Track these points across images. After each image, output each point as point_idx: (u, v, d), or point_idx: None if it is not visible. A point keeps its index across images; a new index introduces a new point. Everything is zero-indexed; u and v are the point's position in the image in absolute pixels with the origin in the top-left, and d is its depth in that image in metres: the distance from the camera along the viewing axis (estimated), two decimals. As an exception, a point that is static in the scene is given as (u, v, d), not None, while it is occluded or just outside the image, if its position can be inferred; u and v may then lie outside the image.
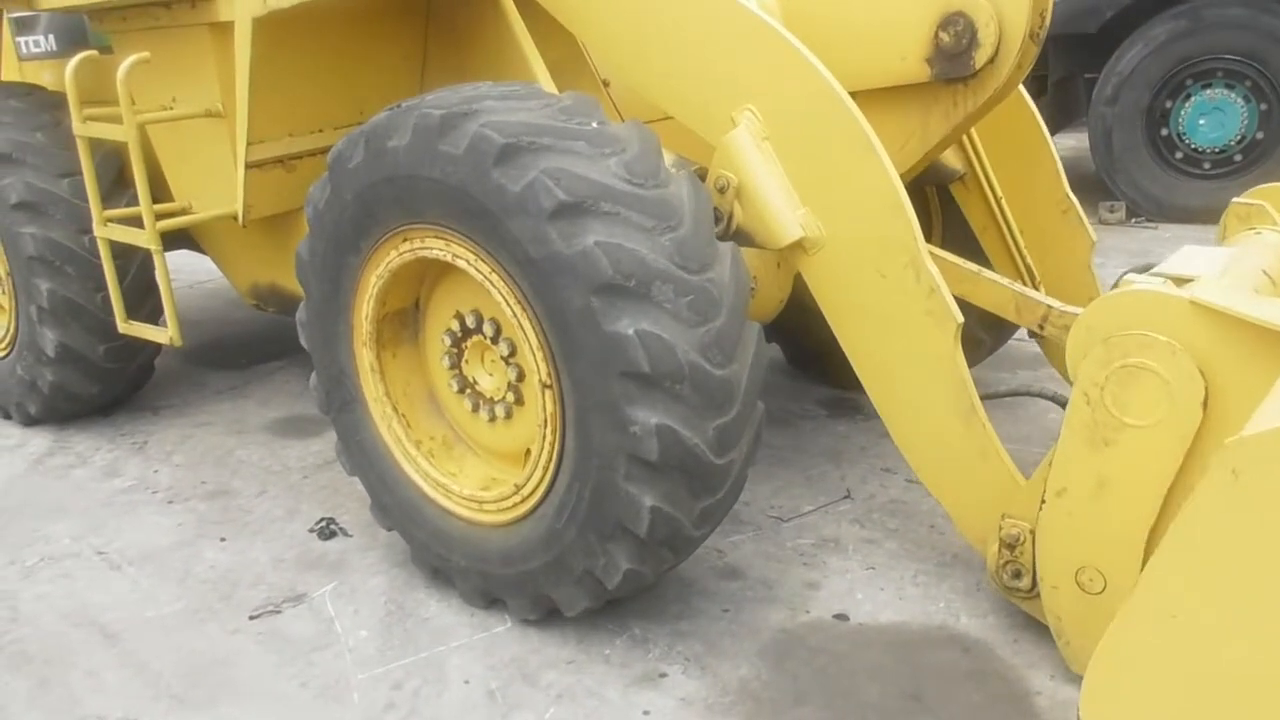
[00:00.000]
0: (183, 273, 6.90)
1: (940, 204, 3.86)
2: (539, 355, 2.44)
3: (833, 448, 3.83)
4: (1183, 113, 7.30)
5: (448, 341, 2.83)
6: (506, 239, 2.33)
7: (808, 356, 4.40)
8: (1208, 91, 7.21)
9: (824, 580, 2.95)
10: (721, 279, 2.34)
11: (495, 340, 2.69)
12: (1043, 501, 2.37)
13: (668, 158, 2.56)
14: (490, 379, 2.82)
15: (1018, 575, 2.54)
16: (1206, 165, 7.34)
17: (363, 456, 3.03)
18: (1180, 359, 2.07)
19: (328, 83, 3.44)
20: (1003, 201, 3.65)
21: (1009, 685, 2.47)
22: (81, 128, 3.71)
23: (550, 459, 2.51)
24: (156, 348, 4.39)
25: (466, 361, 2.84)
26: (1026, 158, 3.65)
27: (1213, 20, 7.02)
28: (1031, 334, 3.33)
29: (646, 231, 2.25)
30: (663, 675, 2.57)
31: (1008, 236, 3.66)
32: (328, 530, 3.42)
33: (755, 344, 2.45)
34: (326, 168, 2.73)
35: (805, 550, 3.11)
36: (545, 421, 2.49)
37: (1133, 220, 7.54)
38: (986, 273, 3.21)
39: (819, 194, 2.61)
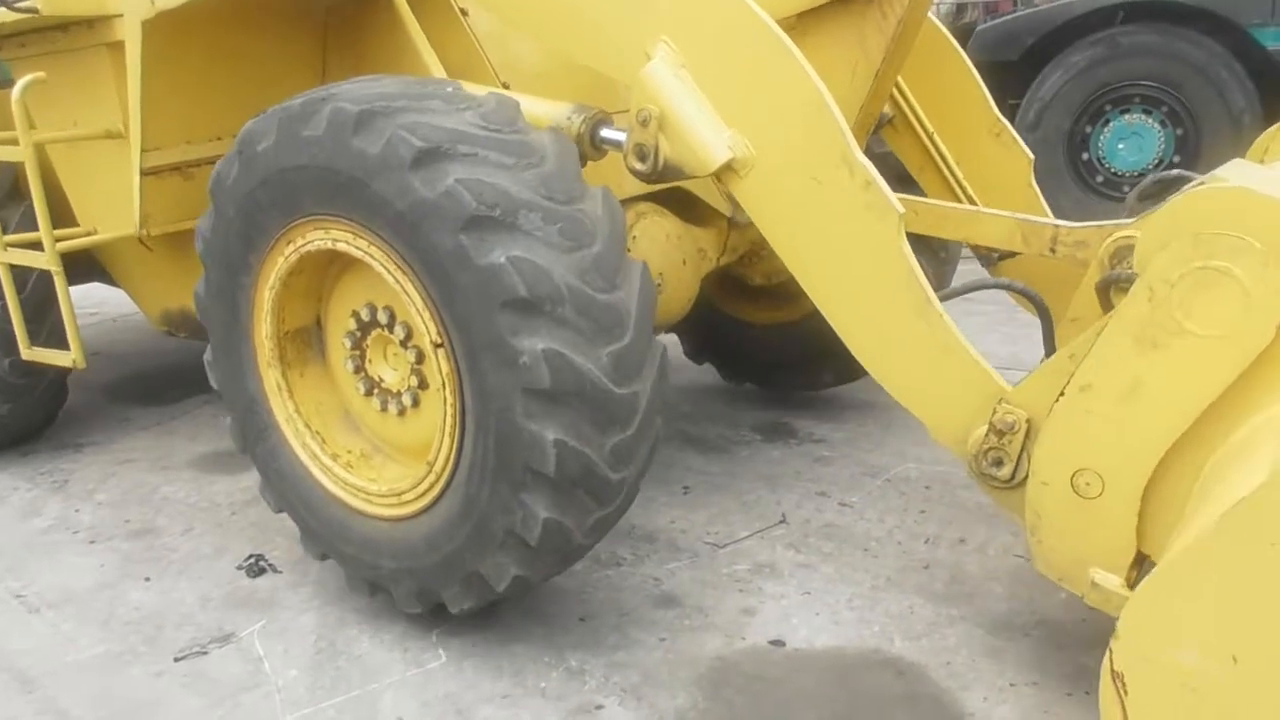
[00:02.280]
0: (108, 305, 6.76)
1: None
2: (426, 315, 2.45)
3: (768, 473, 3.85)
4: (1102, 137, 7.52)
5: (349, 344, 2.83)
6: (375, 201, 2.36)
7: (702, 349, 4.61)
8: (1126, 117, 7.43)
9: (760, 606, 2.95)
10: (594, 211, 2.38)
11: (391, 327, 2.69)
12: (1061, 394, 2.22)
13: (566, 107, 2.63)
14: (394, 373, 2.81)
15: (998, 464, 2.39)
16: (1126, 188, 7.55)
17: (283, 484, 2.99)
18: (1271, 272, 1.91)
19: (224, 88, 3.38)
20: (935, 137, 3.66)
21: (943, 708, 2.49)
22: None
23: (454, 421, 2.49)
24: (63, 370, 4.28)
25: (370, 361, 2.84)
26: (952, 89, 3.66)
27: (1129, 47, 7.25)
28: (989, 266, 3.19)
29: (507, 169, 2.29)
30: (599, 707, 2.55)
31: (945, 171, 3.66)
32: (257, 567, 3.35)
33: (642, 275, 2.46)
34: (209, 195, 2.77)
35: (741, 576, 3.11)
36: (443, 384, 2.48)
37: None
38: (983, 209, 3.18)
39: (743, 112, 2.55)
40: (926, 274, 3.93)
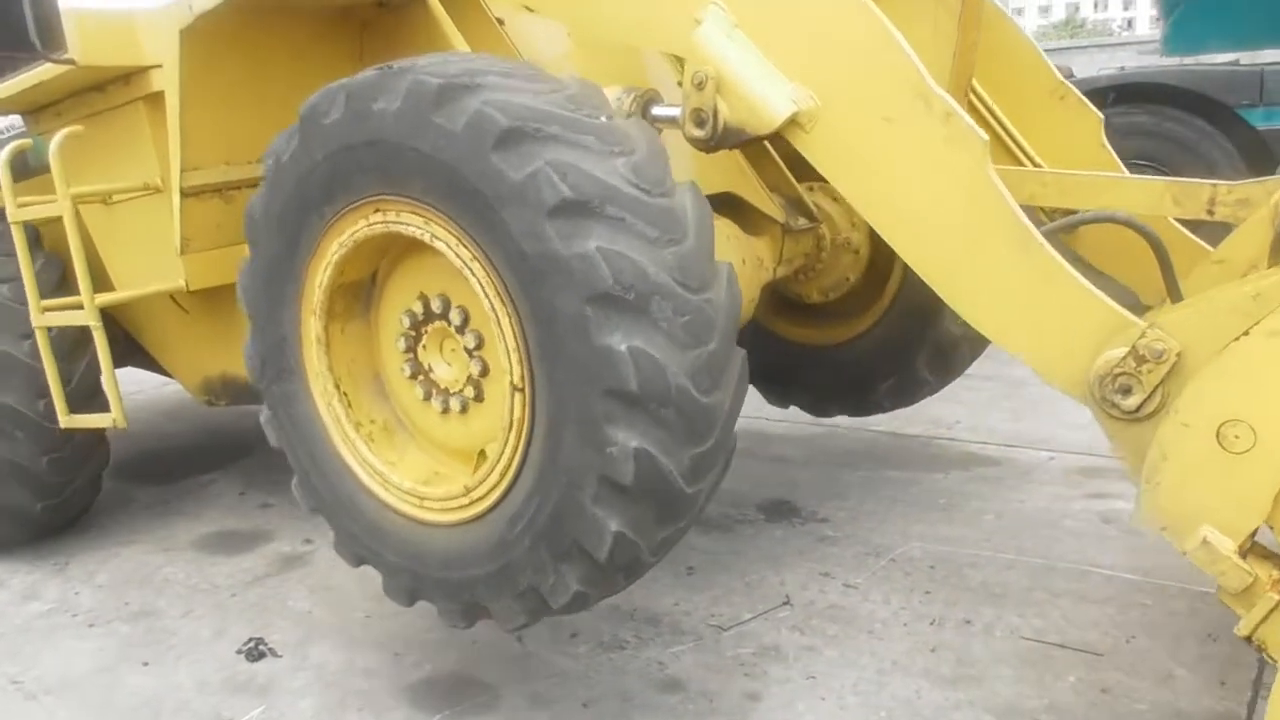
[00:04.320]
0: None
1: None
2: (514, 356, 2.29)
3: (771, 552, 3.83)
4: (1096, 214, 7.60)
5: (406, 323, 2.65)
6: (497, 228, 2.20)
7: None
8: (1120, 194, 7.52)
9: (765, 691, 2.92)
10: (719, 300, 2.25)
11: (461, 330, 2.53)
12: (1244, 334, 2.03)
13: (616, 89, 2.51)
14: (448, 369, 2.65)
15: (1126, 392, 2.17)
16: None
17: (295, 432, 2.84)
18: None
19: (261, 107, 3.34)
20: (994, 109, 3.49)
21: (952, 795, 2.45)
22: (16, 213, 3.64)
23: (510, 466, 2.37)
24: (102, 462, 4.27)
25: (424, 347, 2.67)
26: (1005, 56, 3.45)
27: (1122, 127, 7.36)
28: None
29: (650, 242, 2.15)
30: (603, 797, 2.51)
31: (1007, 140, 3.49)
32: (256, 651, 3.31)
33: (741, 371, 2.36)
34: (297, 117, 2.57)
35: (746, 660, 3.08)
36: (511, 425, 2.33)
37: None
38: (1126, 175, 3.01)
39: (804, 61, 2.43)
40: (965, 344, 3.93)
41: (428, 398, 2.68)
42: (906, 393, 4.23)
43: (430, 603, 2.68)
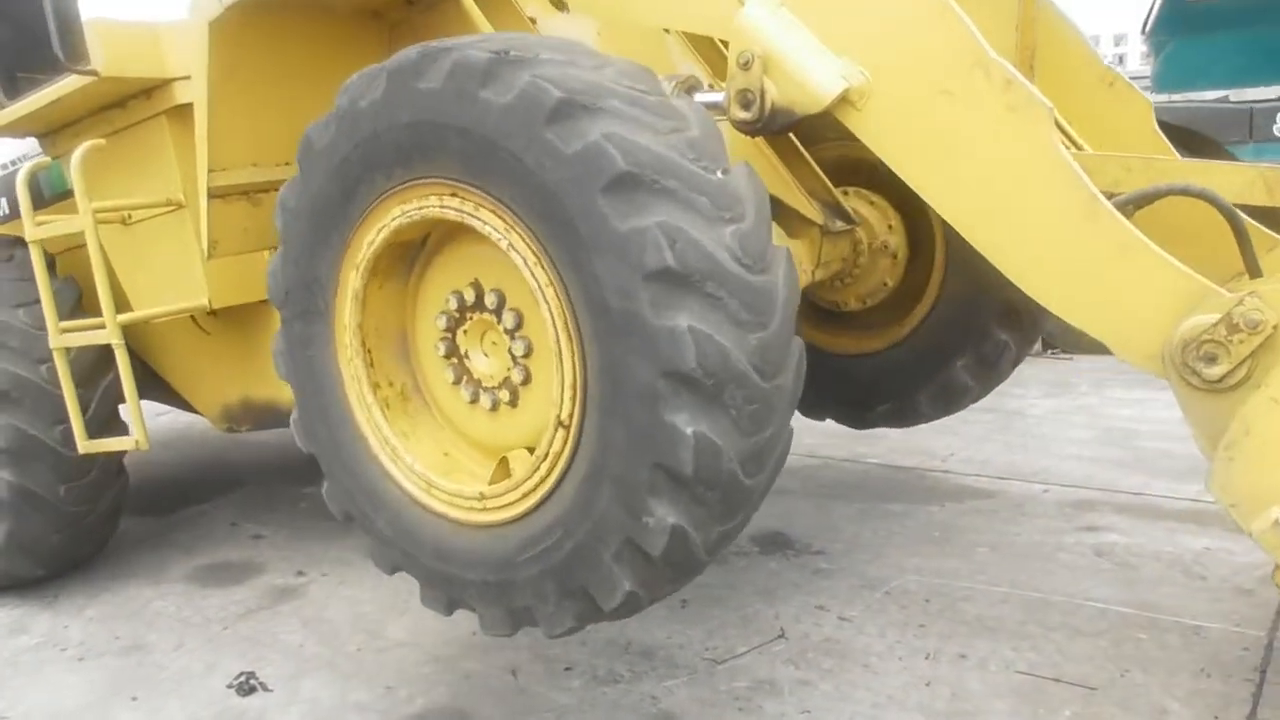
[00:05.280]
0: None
1: None
2: (568, 393, 2.19)
3: (766, 585, 3.82)
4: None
5: (453, 303, 2.52)
6: (585, 270, 2.07)
7: None
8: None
9: (759, 725, 2.90)
10: (786, 386, 2.18)
11: (511, 334, 2.42)
12: None
13: (667, 80, 2.40)
14: (486, 361, 2.54)
15: (1212, 360, 2.08)
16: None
17: (307, 373, 2.72)
18: None
19: (288, 107, 3.29)
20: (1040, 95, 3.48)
21: (947, 832, 2.43)
22: (34, 232, 3.61)
23: (535, 493, 2.30)
24: (119, 491, 4.21)
25: (465, 332, 2.55)
26: (1056, 45, 3.35)
27: (1112, 163, 7.45)
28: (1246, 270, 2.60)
29: (739, 325, 2.05)
30: (596, 833, 2.48)
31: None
32: (247, 685, 3.29)
33: (784, 451, 2.30)
34: (386, 66, 2.39)
35: (740, 694, 3.06)
36: (547, 456, 2.25)
37: (1049, 352, 7.80)
38: (1215, 161, 2.91)
39: (854, 35, 2.36)
40: (1009, 348, 3.90)
41: (457, 382, 2.59)
42: (902, 419, 4.21)
43: (415, 580, 2.63)
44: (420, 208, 2.38)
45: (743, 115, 2.43)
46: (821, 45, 2.39)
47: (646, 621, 3.49)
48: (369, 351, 2.62)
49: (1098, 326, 2.25)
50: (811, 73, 2.36)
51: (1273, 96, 7.79)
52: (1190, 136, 7.27)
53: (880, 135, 2.38)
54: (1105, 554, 3.88)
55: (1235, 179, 2.77)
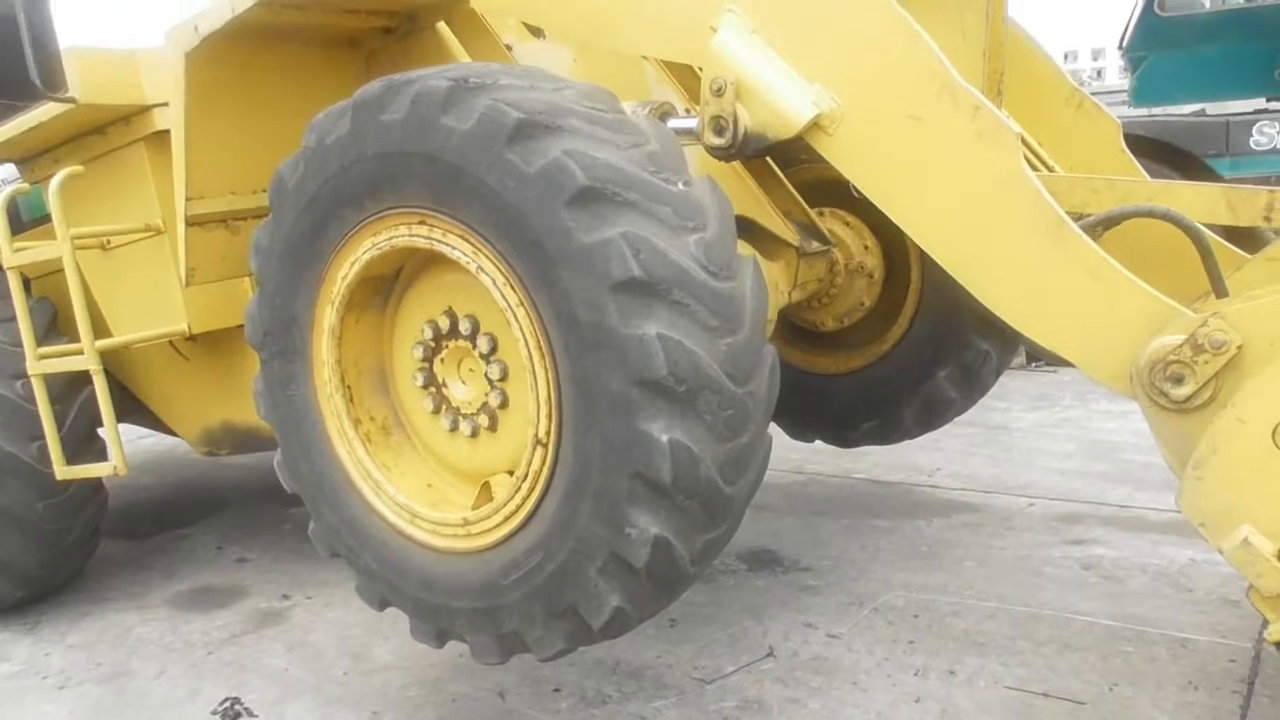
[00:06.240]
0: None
1: None
2: (544, 411, 2.22)
3: (754, 603, 3.80)
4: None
5: (428, 333, 2.56)
6: (554, 285, 2.10)
7: None
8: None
9: (749, 745, 2.88)
10: (760, 391, 2.21)
11: (487, 358, 2.46)
12: None
13: (631, 104, 2.44)
14: (464, 389, 2.57)
15: (1178, 381, 2.11)
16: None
17: (288, 412, 2.73)
18: None
19: (268, 137, 3.27)
20: (1012, 118, 3.50)
21: None
22: (12, 258, 3.59)
23: (517, 514, 2.31)
24: (98, 509, 4.16)
25: (442, 360, 2.58)
26: (1023, 66, 3.40)
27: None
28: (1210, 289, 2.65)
29: (709, 331, 2.08)
30: None
31: (1026, 151, 3.43)
32: (231, 711, 3.25)
33: (764, 458, 2.32)
34: (352, 101, 2.43)
35: (729, 714, 3.04)
36: (526, 476, 2.27)
37: (1032, 365, 7.82)
38: (1180, 181, 2.98)
39: (825, 62, 2.40)
40: (990, 357, 3.91)
41: (437, 411, 2.61)
42: (887, 435, 4.22)
43: (404, 613, 2.63)
44: (390, 238, 2.41)
45: (716, 141, 2.47)
46: (793, 71, 2.43)
47: (635, 641, 3.47)
48: (348, 387, 2.64)
49: (1067, 348, 2.29)
50: (783, 99, 2.40)
51: (1248, 110, 7.88)
52: (1168, 150, 7.34)
53: (851, 160, 2.42)
54: (1092, 567, 3.88)
55: (1200, 198, 2.83)
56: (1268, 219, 2.77)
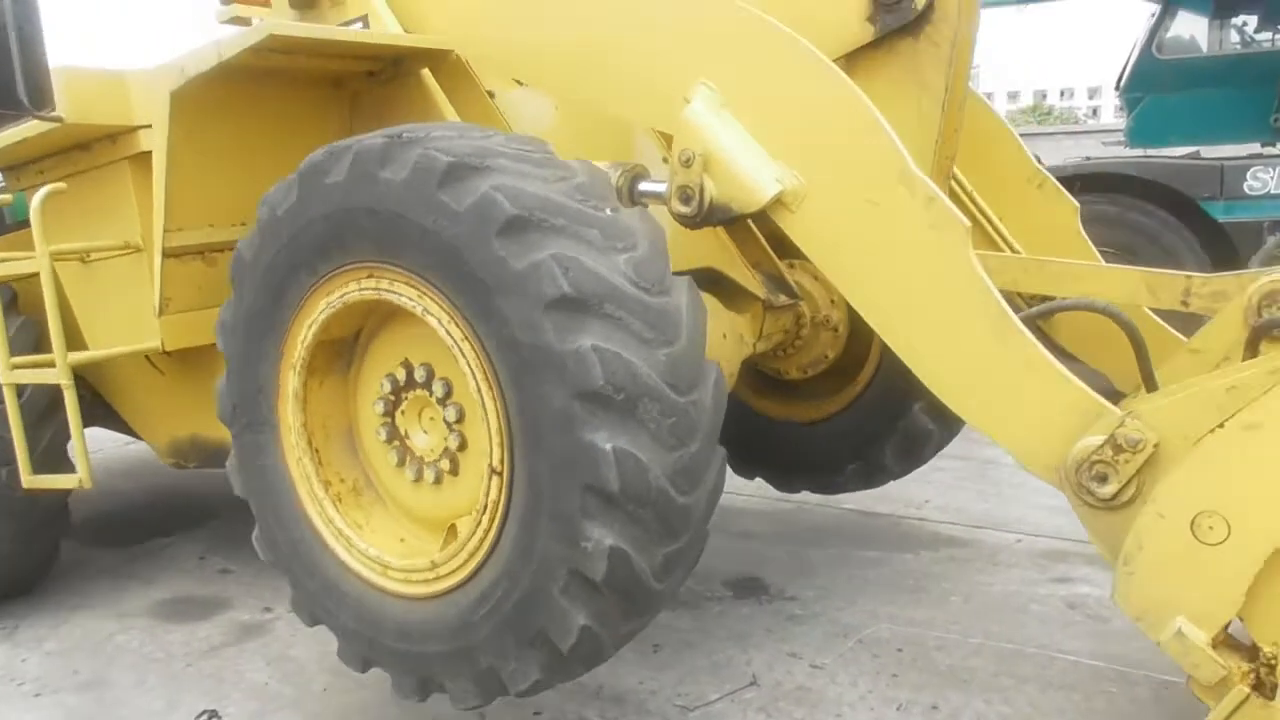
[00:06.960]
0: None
1: None
2: (495, 439, 2.29)
3: (738, 630, 3.79)
4: (1064, 300, 7.73)
5: (387, 387, 2.65)
6: (493, 314, 2.21)
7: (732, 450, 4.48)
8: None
9: (730, 775, 2.87)
10: (704, 401, 2.27)
11: (443, 403, 2.52)
12: (1219, 426, 2.04)
13: (604, 164, 2.53)
14: (425, 437, 2.65)
15: (1103, 480, 2.18)
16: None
17: (261, 483, 2.81)
18: None
19: (250, 173, 3.30)
20: (974, 195, 3.53)
21: None
22: None
23: (481, 547, 2.36)
24: (62, 526, 4.18)
25: (403, 412, 2.66)
26: (985, 144, 3.51)
27: (1087, 215, 7.50)
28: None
29: (644, 342, 2.16)
30: None
31: (987, 227, 3.52)
32: (209, 725, 3.23)
33: (720, 470, 2.37)
34: (296, 171, 2.55)
35: (711, 742, 3.03)
36: (485, 508, 2.34)
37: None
38: (1103, 264, 3.06)
39: (790, 142, 2.48)
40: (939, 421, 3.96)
41: (401, 464, 2.69)
42: (871, 478, 4.28)
43: (384, 671, 2.66)
44: (343, 295, 2.53)
45: (682, 209, 2.56)
46: (760, 148, 2.52)
47: (618, 667, 3.45)
48: (316, 450, 2.74)
49: (1003, 438, 2.37)
50: (748, 174, 2.49)
51: (1243, 154, 7.94)
52: (1163, 192, 7.39)
53: (810, 237, 2.51)
54: (1077, 606, 3.88)
55: (1122, 282, 2.96)
56: (1185, 303, 2.88)
